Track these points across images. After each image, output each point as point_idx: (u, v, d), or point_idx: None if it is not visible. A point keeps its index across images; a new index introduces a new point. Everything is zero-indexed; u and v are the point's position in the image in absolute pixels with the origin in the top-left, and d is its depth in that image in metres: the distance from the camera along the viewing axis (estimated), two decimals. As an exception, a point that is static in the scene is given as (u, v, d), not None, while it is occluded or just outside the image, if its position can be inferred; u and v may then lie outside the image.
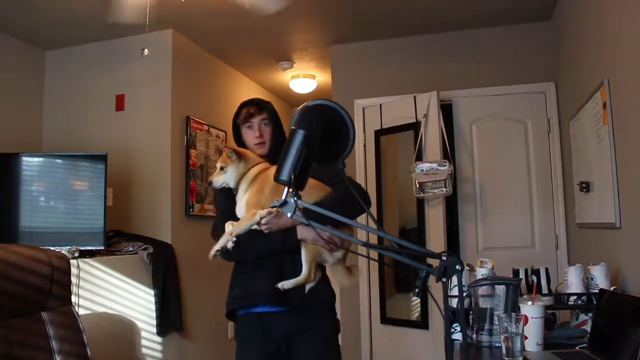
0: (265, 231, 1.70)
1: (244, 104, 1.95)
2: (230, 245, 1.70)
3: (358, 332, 3.80)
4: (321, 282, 1.84)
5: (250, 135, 1.92)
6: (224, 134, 4.28)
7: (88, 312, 2.80)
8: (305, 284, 1.78)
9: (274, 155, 1.82)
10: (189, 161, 3.78)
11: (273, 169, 1.62)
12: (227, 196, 1.88)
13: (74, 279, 2.49)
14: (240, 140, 1.97)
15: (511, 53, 3.74)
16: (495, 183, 3.69)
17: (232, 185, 1.82)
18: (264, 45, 4.13)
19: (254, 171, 1.82)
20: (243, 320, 1.86)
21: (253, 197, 1.76)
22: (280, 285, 1.74)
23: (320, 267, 1.84)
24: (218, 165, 1.84)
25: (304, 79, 4.84)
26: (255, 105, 1.93)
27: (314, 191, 1.75)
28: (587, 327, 1.85)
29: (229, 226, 1.76)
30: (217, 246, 1.71)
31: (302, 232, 1.74)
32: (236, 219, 1.78)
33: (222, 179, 1.82)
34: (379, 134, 3.90)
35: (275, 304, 1.79)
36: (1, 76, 3.56)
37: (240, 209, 1.79)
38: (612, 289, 1.91)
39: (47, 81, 3.94)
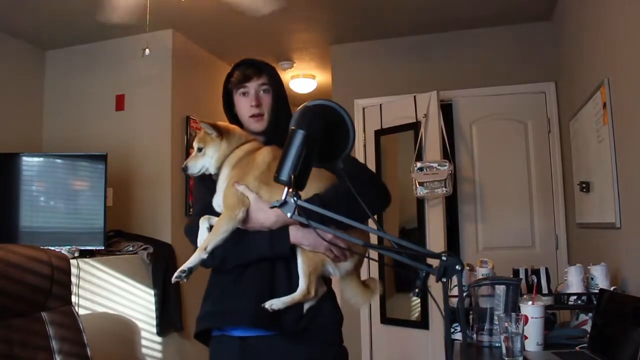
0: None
1: (238, 64, 1.56)
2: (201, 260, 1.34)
3: (358, 332, 3.80)
4: (325, 300, 1.44)
5: (244, 104, 1.52)
6: (224, 134, 4.27)
7: (88, 312, 2.80)
8: (302, 303, 1.39)
9: (273, 132, 1.51)
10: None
11: (264, 150, 1.44)
12: (210, 186, 1.48)
13: (74, 279, 2.49)
14: (231, 111, 1.58)
15: (511, 53, 3.74)
16: (495, 183, 3.69)
17: (212, 170, 1.45)
18: (264, 45, 4.13)
19: (238, 152, 1.44)
20: (217, 344, 1.49)
21: (230, 190, 1.39)
22: (268, 305, 1.34)
23: (324, 280, 1.46)
24: (195, 145, 1.48)
25: (304, 79, 4.84)
26: (252, 67, 1.53)
27: (315, 180, 1.38)
28: (587, 327, 1.85)
29: (203, 226, 1.41)
30: (185, 266, 1.31)
31: (296, 234, 1.37)
32: (216, 214, 1.43)
33: (200, 163, 1.45)
34: (379, 134, 3.90)
35: (261, 327, 1.39)
36: (1, 76, 3.56)
37: (217, 203, 1.43)
38: (612, 289, 1.91)
39: (47, 81, 3.94)
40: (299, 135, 1.04)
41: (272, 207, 1.06)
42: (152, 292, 3.27)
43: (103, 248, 3.05)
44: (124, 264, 3.13)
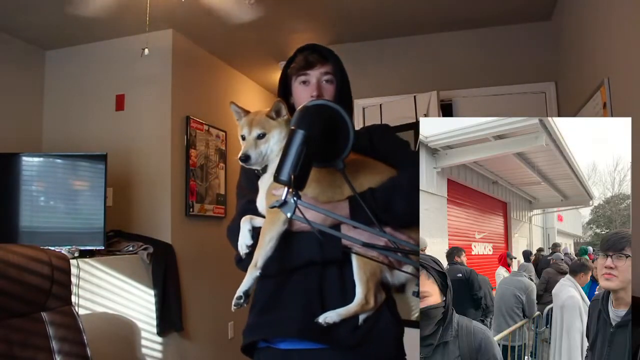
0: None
1: (302, 49, 1.43)
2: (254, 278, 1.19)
3: (358, 332, 3.80)
4: (384, 310, 1.29)
5: (303, 94, 1.38)
6: (224, 134, 4.28)
7: (88, 312, 2.80)
8: (359, 314, 1.23)
9: None
10: (189, 161, 3.78)
11: None
12: (253, 180, 1.33)
13: (74, 279, 2.49)
14: (287, 98, 1.44)
15: (511, 53, 3.74)
16: (495, 183, 3.69)
17: (273, 158, 1.27)
18: (264, 45, 4.13)
19: None
20: (258, 357, 1.32)
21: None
22: (322, 319, 1.18)
23: (383, 287, 1.29)
24: (254, 132, 1.27)
25: (304, 79, 4.83)
26: (316, 53, 1.41)
27: (371, 173, 1.28)
28: (587, 327, 1.85)
29: (245, 228, 1.26)
30: (240, 291, 1.17)
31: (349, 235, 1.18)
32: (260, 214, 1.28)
33: (262, 150, 1.26)
34: (379, 134, 3.90)
35: (310, 339, 1.22)
36: (1, 76, 3.56)
37: (261, 205, 1.28)
38: (612, 289, 1.91)
39: (47, 81, 3.94)
40: (299, 135, 1.04)
41: (271, 207, 1.06)
42: (152, 292, 3.27)
43: (103, 248, 3.04)
44: (124, 264, 3.13)
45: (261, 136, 1.27)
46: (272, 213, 1.19)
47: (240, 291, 1.16)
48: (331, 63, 1.41)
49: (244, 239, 1.25)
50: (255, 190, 1.31)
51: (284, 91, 1.45)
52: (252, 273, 1.18)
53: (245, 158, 1.24)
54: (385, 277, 1.26)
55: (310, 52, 1.41)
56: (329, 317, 1.19)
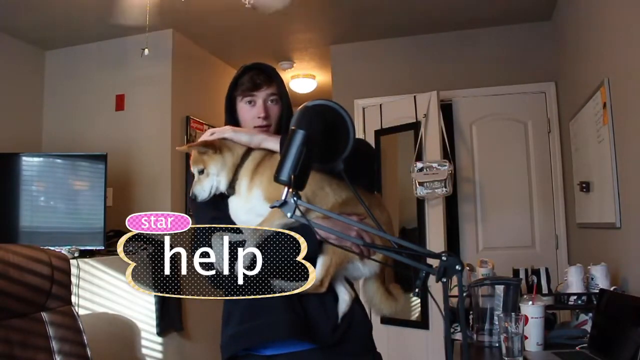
0: None
1: (246, 69, 1.43)
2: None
3: (358, 332, 3.79)
4: (356, 307, 1.37)
5: (250, 114, 1.42)
6: (224, 134, 4.27)
7: (88, 312, 2.80)
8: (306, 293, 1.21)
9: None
10: (189, 161, 3.76)
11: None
12: (214, 202, 1.35)
13: (74, 279, 2.49)
14: (232, 117, 1.46)
15: (511, 53, 3.74)
16: (495, 183, 3.69)
17: (224, 187, 1.32)
18: (264, 45, 4.13)
19: (255, 155, 1.32)
20: None
21: (267, 189, 1.26)
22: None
23: (349, 283, 1.37)
24: (194, 170, 1.34)
25: (304, 79, 4.84)
26: (262, 74, 1.41)
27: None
28: (587, 327, 1.85)
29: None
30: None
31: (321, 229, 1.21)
32: (231, 226, 1.27)
33: (207, 185, 1.32)
34: (379, 134, 3.90)
35: (303, 339, 1.27)
36: (1, 76, 3.56)
37: (248, 211, 1.30)
38: (612, 289, 1.91)
39: (47, 81, 3.94)
40: (299, 135, 1.04)
41: (272, 207, 1.06)
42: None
43: (103, 248, 3.04)
44: (124, 264, 3.12)
45: (201, 172, 1.33)
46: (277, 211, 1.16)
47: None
48: (276, 84, 1.43)
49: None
50: (218, 207, 1.33)
51: (229, 108, 1.47)
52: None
53: (193, 197, 1.32)
54: (357, 267, 1.30)
55: (257, 72, 1.42)
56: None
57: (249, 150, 1.33)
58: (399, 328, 3.65)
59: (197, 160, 1.33)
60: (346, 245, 1.24)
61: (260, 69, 1.43)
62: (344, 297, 1.35)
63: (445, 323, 1.00)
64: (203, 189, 1.32)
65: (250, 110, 1.42)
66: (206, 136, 1.37)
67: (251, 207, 1.29)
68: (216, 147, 1.32)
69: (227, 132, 1.35)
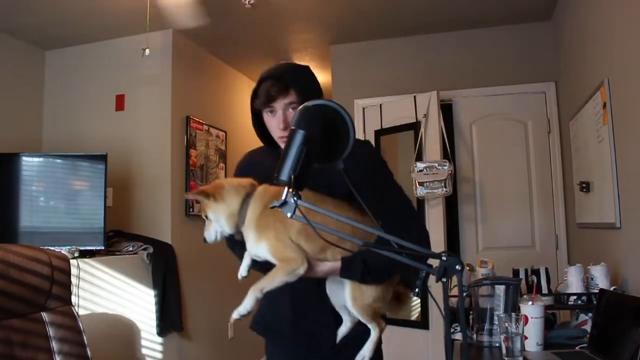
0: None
1: (264, 78, 1.42)
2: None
3: (358, 332, 3.79)
4: (357, 327, 1.42)
5: (273, 125, 1.42)
6: (224, 134, 4.28)
7: (88, 312, 2.80)
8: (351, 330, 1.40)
9: None
10: (189, 161, 3.78)
11: (278, 190, 1.21)
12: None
13: (74, 279, 2.49)
14: (261, 129, 1.47)
15: (511, 53, 3.74)
16: (495, 183, 3.69)
17: (228, 231, 1.34)
18: (264, 45, 4.13)
19: (254, 208, 1.30)
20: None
21: (276, 244, 1.28)
22: (359, 357, 1.36)
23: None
24: (203, 215, 1.38)
25: (304, 79, 4.83)
26: (278, 83, 1.39)
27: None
28: (587, 327, 1.85)
29: (245, 263, 1.37)
30: (243, 309, 1.27)
31: (334, 267, 1.34)
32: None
33: (212, 230, 1.35)
34: (379, 134, 3.90)
35: (297, 344, 1.48)
36: (1, 76, 3.56)
37: (256, 256, 1.35)
38: (612, 289, 1.91)
39: (47, 81, 3.94)
40: (299, 135, 1.04)
41: (271, 207, 1.06)
42: (152, 292, 3.27)
43: (103, 248, 3.04)
44: (124, 264, 3.13)
45: (207, 216, 1.35)
46: (290, 263, 1.25)
47: (242, 312, 1.27)
48: (294, 90, 1.38)
49: (243, 270, 1.38)
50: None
51: (256, 119, 1.47)
52: (254, 296, 1.25)
53: (204, 240, 1.37)
54: (326, 259, 1.33)
55: (273, 82, 1.39)
56: (365, 356, 1.35)
57: (247, 199, 1.31)
58: (399, 328, 3.65)
59: (202, 207, 1.36)
60: (346, 246, 1.25)
61: (276, 76, 1.39)
62: (347, 323, 1.43)
63: (445, 323, 1.00)
64: (209, 233, 1.35)
65: (272, 120, 1.42)
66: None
67: (259, 255, 1.33)
68: (209, 195, 1.31)
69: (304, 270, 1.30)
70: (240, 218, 1.30)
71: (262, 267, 1.33)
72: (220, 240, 1.37)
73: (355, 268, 1.31)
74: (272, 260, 1.28)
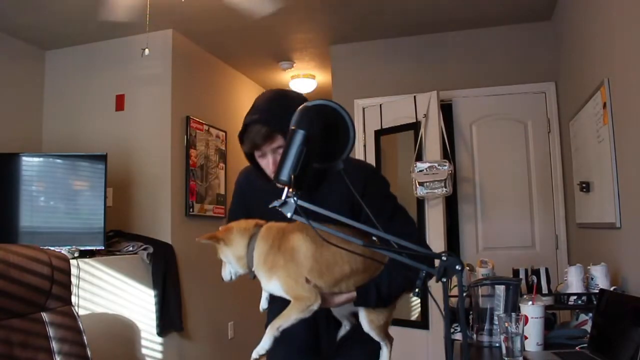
0: None
1: (248, 123, 1.36)
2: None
3: (358, 332, 3.79)
4: (356, 328, 1.47)
5: (264, 163, 1.42)
6: (224, 134, 4.28)
7: (88, 312, 2.80)
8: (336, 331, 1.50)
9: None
10: (189, 161, 3.78)
11: (294, 239, 1.32)
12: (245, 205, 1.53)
13: (73, 279, 2.49)
14: (257, 166, 1.46)
15: (511, 53, 3.74)
16: (495, 183, 3.69)
17: (242, 271, 1.37)
18: (264, 45, 4.13)
19: (261, 247, 1.33)
20: None
21: (288, 281, 1.30)
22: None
23: (354, 315, 1.48)
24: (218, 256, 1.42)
25: (304, 79, 4.83)
26: (262, 130, 1.34)
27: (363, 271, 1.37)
28: (587, 327, 1.85)
29: (264, 296, 1.45)
30: (261, 348, 1.28)
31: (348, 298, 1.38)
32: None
33: (227, 270, 1.39)
34: (379, 134, 3.90)
35: (308, 354, 1.54)
36: (1, 76, 3.56)
37: (275, 294, 1.38)
38: (612, 289, 1.91)
39: (47, 81, 3.94)
40: (299, 135, 1.05)
41: (271, 207, 1.06)
42: (152, 292, 3.27)
43: (103, 248, 3.04)
44: (124, 264, 3.13)
45: (222, 259, 1.39)
46: (304, 301, 1.29)
47: (260, 351, 1.28)
48: (280, 134, 1.33)
49: (264, 303, 1.47)
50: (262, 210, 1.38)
51: (251, 157, 1.45)
52: (272, 334, 1.28)
53: (224, 279, 1.41)
54: (341, 291, 1.39)
55: (257, 129, 1.34)
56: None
57: (252, 241, 1.33)
58: (399, 328, 3.65)
59: (218, 250, 1.39)
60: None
61: (259, 120, 1.34)
62: (346, 326, 1.51)
63: (445, 323, 1.00)
64: (226, 272, 1.40)
65: (262, 160, 1.42)
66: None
67: (274, 292, 1.36)
68: (219, 239, 1.35)
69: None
70: (248, 259, 1.33)
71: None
72: (236, 279, 1.40)
73: (370, 297, 1.36)
74: (286, 297, 1.31)
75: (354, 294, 1.35)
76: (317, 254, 1.30)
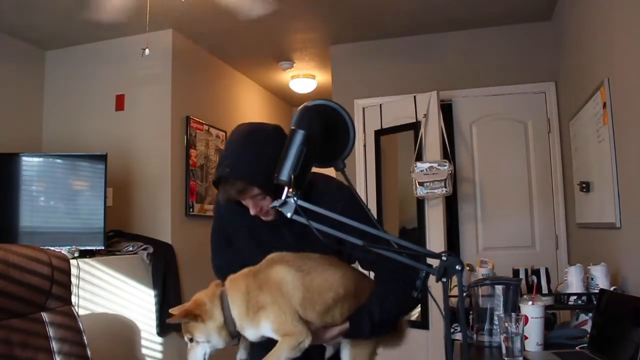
0: None
1: (220, 177, 1.30)
2: None
3: (358, 332, 3.79)
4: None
5: (245, 203, 1.35)
6: (223, 134, 4.28)
7: (88, 312, 2.80)
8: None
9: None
10: (189, 161, 3.78)
11: (275, 272, 1.25)
12: (228, 236, 1.49)
13: (74, 279, 2.49)
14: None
15: (511, 53, 3.74)
16: (495, 183, 3.69)
17: (222, 345, 1.28)
18: (264, 45, 4.13)
19: (238, 300, 1.25)
20: None
21: (280, 317, 1.22)
22: None
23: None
24: (185, 338, 1.32)
25: (304, 79, 4.84)
26: (236, 183, 1.27)
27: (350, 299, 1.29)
28: (587, 327, 1.85)
29: (242, 346, 1.35)
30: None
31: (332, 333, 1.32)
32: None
33: (200, 352, 1.28)
34: (379, 134, 3.90)
35: None
36: (1, 76, 3.56)
37: (260, 338, 1.29)
38: (612, 289, 1.91)
39: (47, 81, 3.94)
40: (299, 135, 1.05)
41: (272, 207, 1.06)
42: (152, 292, 3.27)
43: (103, 248, 3.04)
44: (124, 264, 3.13)
45: (190, 340, 1.29)
46: (295, 337, 1.20)
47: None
48: (255, 184, 1.27)
49: (240, 354, 1.36)
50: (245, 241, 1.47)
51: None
52: None
53: None
54: (333, 320, 1.32)
55: (231, 182, 1.27)
56: None
57: (224, 303, 1.27)
58: (399, 328, 3.65)
59: (185, 329, 1.30)
60: (346, 247, 1.25)
61: (232, 176, 1.26)
62: (330, 349, 1.42)
63: (445, 323, 1.00)
64: (196, 356, 1.28)
65: (243, 201, 1.34)
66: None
67: (264, 336, 1.27)
68: (197, 315, 1.27)
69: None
70: (229, 323, 1.25)
71: None
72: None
73: (364, 326, 1.30)
74: (276, 336, 1.22)
75: (346, 325, 1.29)
76: (307, 282, 1.23)
